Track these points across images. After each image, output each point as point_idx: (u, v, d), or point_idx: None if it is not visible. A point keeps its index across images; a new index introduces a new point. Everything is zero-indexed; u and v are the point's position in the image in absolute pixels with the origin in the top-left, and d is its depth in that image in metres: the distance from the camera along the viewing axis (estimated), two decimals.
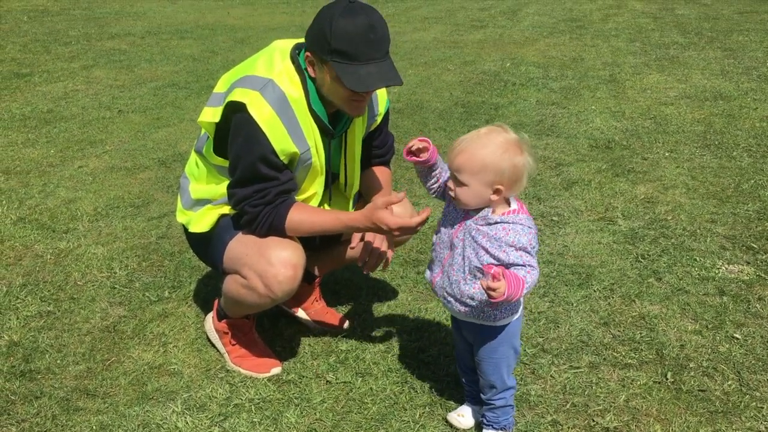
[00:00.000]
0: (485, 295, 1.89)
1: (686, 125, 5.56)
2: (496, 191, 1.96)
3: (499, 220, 1.98)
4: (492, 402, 2.20)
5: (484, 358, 2.15)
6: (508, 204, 2.03)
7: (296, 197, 2.45)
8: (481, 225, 2.00)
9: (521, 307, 2.15)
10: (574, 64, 7.91)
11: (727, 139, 5.19)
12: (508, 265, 1.94)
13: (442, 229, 2.12)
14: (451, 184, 2.02)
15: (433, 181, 2.20)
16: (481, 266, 1.99)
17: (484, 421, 2.26)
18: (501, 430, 2.23)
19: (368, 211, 2.28)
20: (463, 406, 2.38)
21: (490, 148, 1.93)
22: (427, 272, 2.22)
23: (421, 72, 7.64)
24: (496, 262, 1.96)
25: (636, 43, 9.08)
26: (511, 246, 1.94)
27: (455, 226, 2.07)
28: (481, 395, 2.24)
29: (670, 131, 5.41)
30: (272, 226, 2.36)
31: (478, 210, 2.01)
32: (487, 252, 1.97)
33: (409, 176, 4.55)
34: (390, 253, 2.50)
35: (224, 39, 9.79)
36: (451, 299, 2.10)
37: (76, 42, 9.43)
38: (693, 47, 8.74)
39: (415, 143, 2.11)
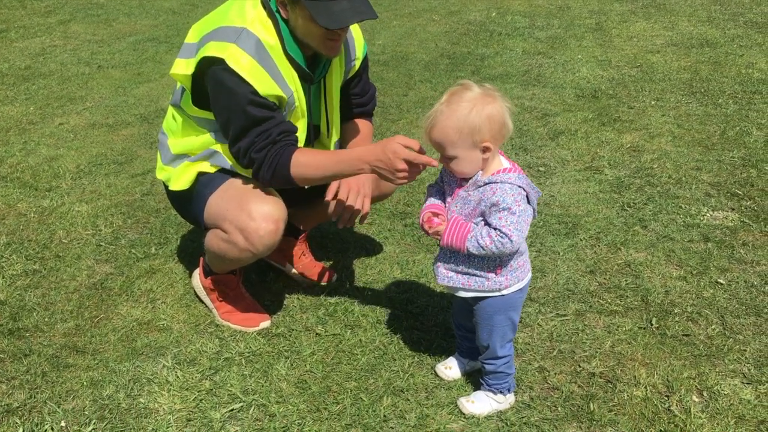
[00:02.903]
0: (484, 257, 1.96)
1: (672, 73, 5.54)
2: (485, 149, 1.91)
3: (488, 181, 1.94)
4: (484, 364, 2.20)
5: (479, 323, 2.13)
6: (500, 163, 1.99)
7: None
8: (472, 190, 1.97)
9: (522, 283, 2.08)
10: (560, 12, 7.81)
11: (713, 87, 5.17)
12: (488, 224, 1.93)
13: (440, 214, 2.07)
14: (443, 161, 1.98)
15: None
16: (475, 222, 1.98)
17: (480, 379, 2.25)
18: (492, 392, 2.21)
19: (384, 142, 2.14)
20: (451, 357, 2.40)
21: (456, 113, 1.88)
22: (434, 266, 2.15)
23: (406, 23, 7.53)
24: (482, 219, 1.96)
25: None
26: (495, 205, 1.90)
27: (449, 200, 2.05)
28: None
29: (656, 79, 5.39)
30: (276, 170, 2.28)
31: (468, 179, 1.98)
32: (478, 213, 1.96)
33: (395, 129, 4.52)
34: (366, 208, 2.41)
35: None
36: (452, 274, 2.06)
37: None
38: None
39: (429, 221, 2.05)
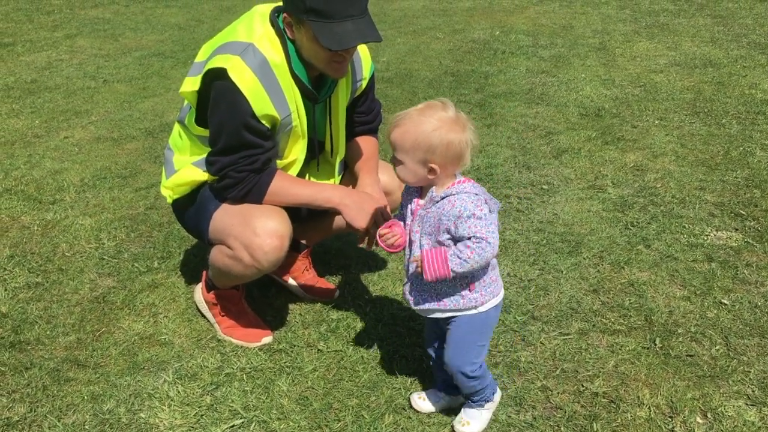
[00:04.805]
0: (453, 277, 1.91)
1: (676, 93, 5.55)
2: (431, 170, 1.88)
3: (444, 195, 1.91)
4: (460, 387, 2.13)
5: (451, 343, 2.06)
6: (454, 177, 1.95)
7: (278, 162, 2.43)
8: (430, 207, 1.94)
9: (497, 299, 2.05)
10: (564, 32, 7.85)
11: (717, 107, 5.18)
12: (459, 238, 1.88)
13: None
14: (392, 159, 1.96)
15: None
16: (440, 243, 1.93)
17: (464, 398, 2.20)
18: (480, 405, 2.17)
19: (359, 191, 2.31)
20: (430, 389, 2.33)
21: (422, 126, 1.86)
22: (404, 292, 2.12)
23: (410, 40, 7.57)
24: (452, 237, 1.91)
25: (626, 10, 9.01)
26: (459, 217, 1.87)
27: (410, 222, 2.02)
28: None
29: (659, 99, 5.40)
30: (252, 192, 2.34)
31: (428, 198, 1.96)
32: (442, 228, 1.91)
33: None
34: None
35: (210, 7, 9.64)
36: (425, 296, 2.02)
37: (59, 11, 9.25)
38: (683, 14, 8.69)
39: (387, 234, 2.06)
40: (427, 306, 2.04)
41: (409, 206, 2.04)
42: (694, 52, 6.81)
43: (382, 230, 2.08)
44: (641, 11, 8.95)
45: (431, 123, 1.86)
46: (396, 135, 1.90)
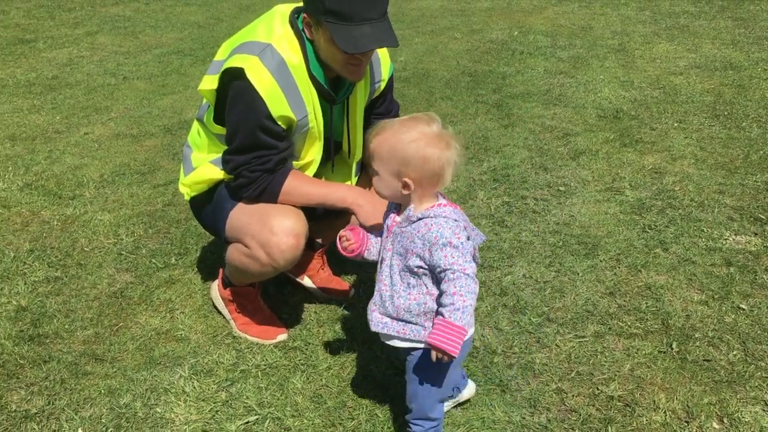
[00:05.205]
0: (421, 305, 1.81)
1: (695, 95, 5.50)
2: (405, 184, 1.79)
3: (421, 216, 1.80)
4: (411, 425, 2.01)
5: (410, 377, 1.95)
6: (436, 199, 1.85)
7: (294, 164, 2.44)
8: (405, 227, 1.84)
9: (469, 335, 1.88)
10: (583, 33, 7.80)
11: (737, 110, 5.13)
12: (433, 268, 1.77)
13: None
14: (371, 170, 1.89)
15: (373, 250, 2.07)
16: (409, 267, 1.82)
17: None
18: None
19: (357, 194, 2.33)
20: None
21: (401, 136, 1.77)
22: (367, 310, 1.98)
23: (428, 40, 7.56)
24: (423, 264, 1.79)
25: (646, 11, 8.95)
26: (434, 243, 1.75)
27: (385, 236, 1.93)
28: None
29: (679, 101, 5.36)
30: (266, 191, 2.35)
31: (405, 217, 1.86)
32: (413, 253, 1.80)
33: None
34: None
35: (229, 6, 9.69)
36: (387, 320, 1.90)
37: (80, 8, 9.34)
38: (704, 16, 8.61)
39: (344, 237, 2.04)
40: (386, 331, 1.91)
41: (386, 221, 1.96)
42: (714, 55, 6.75)
43: (342, 232, 2.06)
44: (661, 13, 8.88)
45: (411, 135, 1.77)
46: (374, 143, 1.83)
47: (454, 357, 1.75)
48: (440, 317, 1.75)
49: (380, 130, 1.83)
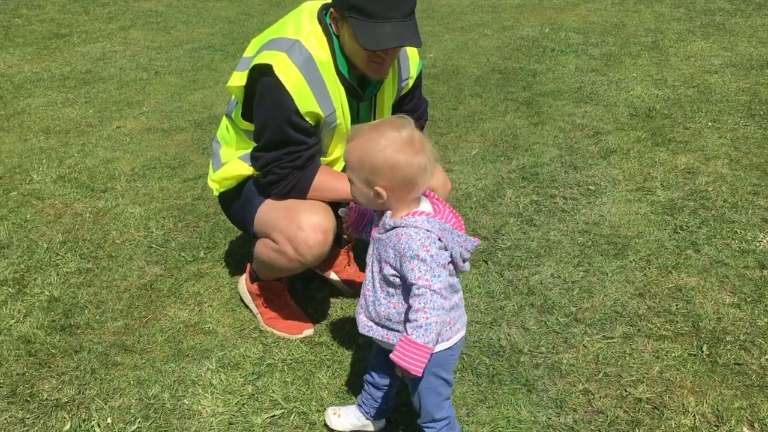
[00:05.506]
0: (401, 314, 1.77)
1: (730, 94, 5.40)
2: (377, 193, 1.71)
3: (394, 225, 1.73)
4: (424, 428, 1.98)
5: (409, 384, 1.91)
6: (416, 205, 1.77)
7: (322, 160, 2.44)
8: (382, 234, 1.78)
9: (449, 342, 1.84)
10: (616, 30, 7.71)
11: None
12: (404, 279, 1.72)
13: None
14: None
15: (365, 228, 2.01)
16: (385, 276, 1.77)
17: None
18: None
19: None
20: (350, 406, 2.22)
21: (369, 143, 1.68)
22: (356, 312, 1.95)
23: (458, 37, 7.52)
24: (397, 274, 1.74)
25: (680, 8, 8.80)
26: (403, 255, 1.68)
27: (370, 242, 1.87)
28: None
29: (713, 100, 5.27)
30: (296, 188, 2.36)
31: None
32: (387, 262, 1.75)
33: (443, 142, 4.51)
34: None
35: (259, 1, 9.74)
36: (372, 324, 1.87)
37: (113, 3, 9.46)
38: (740, 14, 8.44)
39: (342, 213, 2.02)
40: (372, 335, 1.89)
41: (372, 225, 1.94)
42: (750, 53, 6.62)
43: (341, 210, 2.04)
44: (696, 10, 8.74)
45: (378, 143, 1.68)
46: (347, 150, 1.76)
47: (417, 376, 1.70)
48: (404, 334, 1.71)
49: (351, 136, 1.76)
